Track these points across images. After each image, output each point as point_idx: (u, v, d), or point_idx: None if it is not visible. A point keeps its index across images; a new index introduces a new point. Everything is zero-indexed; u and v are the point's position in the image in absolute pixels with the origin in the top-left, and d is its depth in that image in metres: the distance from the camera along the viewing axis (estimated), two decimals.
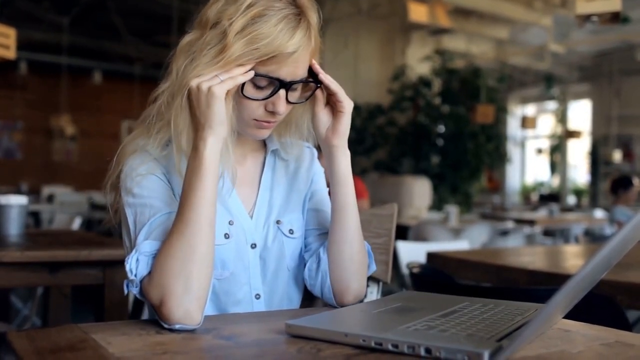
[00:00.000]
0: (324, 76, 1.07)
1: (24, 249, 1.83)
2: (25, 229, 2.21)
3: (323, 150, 1.13)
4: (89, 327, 0.88)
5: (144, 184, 1.06)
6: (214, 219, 0.97)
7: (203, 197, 0.95)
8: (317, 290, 1.16)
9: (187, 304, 0.90)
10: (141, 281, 0.95)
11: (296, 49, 0.99)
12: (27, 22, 8.38)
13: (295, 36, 0.99)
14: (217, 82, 0.96)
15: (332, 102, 1.10)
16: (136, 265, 0.95)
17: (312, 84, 1.08)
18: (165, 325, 0.90)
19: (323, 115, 1.11)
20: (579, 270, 0.68)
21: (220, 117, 0.96)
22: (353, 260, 1.13)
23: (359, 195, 5.41)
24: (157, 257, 0.94)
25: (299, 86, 1.07)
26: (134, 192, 1.05)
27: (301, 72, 1.04)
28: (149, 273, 0.95)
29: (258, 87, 1.03)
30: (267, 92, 1.03)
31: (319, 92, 1.09)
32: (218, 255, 1.07)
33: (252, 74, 0.99)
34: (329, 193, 1.30)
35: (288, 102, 1.05)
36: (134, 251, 0.97)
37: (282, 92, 1.03)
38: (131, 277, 0.95)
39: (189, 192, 0.95)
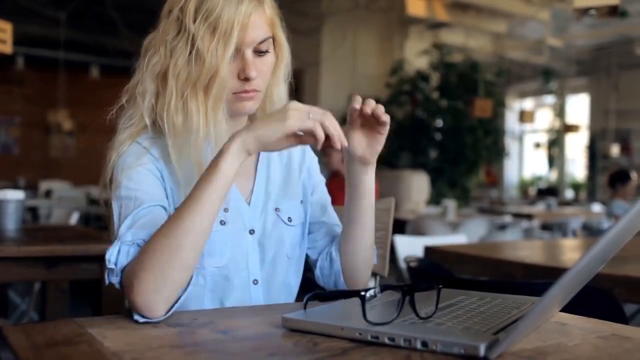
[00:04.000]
0: (387, 117, 1.05)
1: (21, 244, 1.83)
2: (22, 224, 2.21)
3: (352, 164, 1.11)
4: (85, 321, 0.88)
5: (133, 176, 1.06)
6: (209, 231, 0.95)
7: (208, 205, 0.93)
8: (331, 287, 1.23)
9: (153, 301, 0.89)
10: (122, 271, 0.95)
11: (249, 14, 1.04)
12: (24, 16, 8.34)
13: (244, 3, 1.03)
14: (303, 120, 0.93)
15: (370, 124, 1.07)
16: (117, 255, 0.95)
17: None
18: (135, 317, 0.90)
19: (359, 135, 1.08)
20: (575, 264, 0.68)
21: (268, 145, 0.94)
22: (366, 260, 1.19)
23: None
24: (141, 251, 0.94)
25: (265, 51, 1.09)
26: (123, 185, 1.06)
27: (261, 34, 1.07)
28: (129, 263, 0.94)
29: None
30: (237, 60, 1.07)
31: (354, 114, 1.07)
32: (214, 242, 1.07)
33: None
34: (328, 193, 1.31)
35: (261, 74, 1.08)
36: (116, 241, 0.98)
37: (248, 54, 1.07)
38: (110, 266, 0.95)
39: (195, 197, 0.93)
